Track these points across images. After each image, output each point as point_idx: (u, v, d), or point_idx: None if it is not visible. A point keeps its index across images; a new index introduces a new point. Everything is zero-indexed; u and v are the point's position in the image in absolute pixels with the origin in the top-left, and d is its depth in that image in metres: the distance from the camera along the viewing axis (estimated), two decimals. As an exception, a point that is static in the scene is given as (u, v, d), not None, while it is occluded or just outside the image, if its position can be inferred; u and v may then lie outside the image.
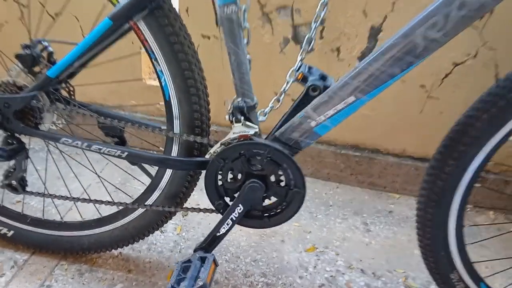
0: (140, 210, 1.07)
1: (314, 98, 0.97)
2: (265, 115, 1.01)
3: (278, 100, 1.04)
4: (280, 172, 0.92)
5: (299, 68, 1.05)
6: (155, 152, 1.20)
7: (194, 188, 1.05)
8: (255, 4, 1.39)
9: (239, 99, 0.89)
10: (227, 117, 0.91)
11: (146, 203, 1.04)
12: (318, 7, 0.93)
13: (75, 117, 1.14)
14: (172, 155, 0.97)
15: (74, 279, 1.16)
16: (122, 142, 1.07)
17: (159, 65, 0.89)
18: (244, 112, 0.89)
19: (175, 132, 0.92)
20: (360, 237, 1.43)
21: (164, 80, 0.90)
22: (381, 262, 1.33)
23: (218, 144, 0.90)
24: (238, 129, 0.88)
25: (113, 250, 1.19)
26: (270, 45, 1.46)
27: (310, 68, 1.03)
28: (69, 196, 1.08)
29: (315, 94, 0.97)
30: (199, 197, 1.03)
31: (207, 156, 0.92)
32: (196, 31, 1.49)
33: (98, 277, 1.17)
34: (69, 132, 1.12)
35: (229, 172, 0.93)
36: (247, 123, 0.89)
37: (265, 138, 0.93)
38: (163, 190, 1.03)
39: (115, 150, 0.92)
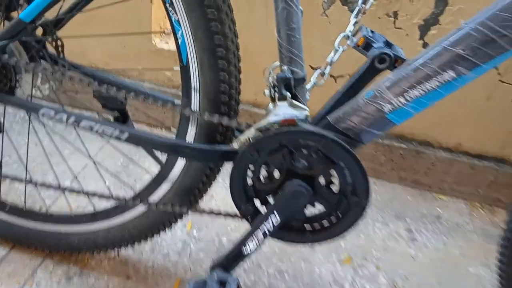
0: (144, 207, 0.83)
1: (379, 71, 0.72)
2: (307, 95, 0.75)
3: (322, 74, 0.78)
4: (335, 173, 0.67)
5: (355, 33, 0.79)
6: (164, 135, 0.95)
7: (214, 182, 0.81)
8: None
9: (285, 67, 0.64)
10: (266, 91, 0.66)
11: (151, 200, 0.80)
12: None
13: (67, 82, 0.89)
14: (187, 140, 0.72)
15: (60, 284, 0.94)
16: (123, 117, 0.82)
17: (175, 13, 0.63)
18: (291, 87, 0.64)
19: (192, 109, 0.67)
20: (404, 248, 1.19)
21: (182, 35, 0.64)
22: (431, 282, 1.09)
23: (252, 130, 0.65)
24: (282, 110, 0.62)
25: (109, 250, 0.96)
26: (309, 4, 1.18)
27: (372, 31, 0.77)
28: (53, 184, 0.85)
29: (382, 67, 0.71)
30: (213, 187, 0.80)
31: (234, 145, 0.67)
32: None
33: (90, 284, 0.94)
34: (59, 102, 0.88)
35: (264, 168, 0.69)
36: (295, 102, 0.63)
37: (314, 124, 0.68)
38: (173, 184, 0.78)
39: (112, 129, 0.68)
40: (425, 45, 1.15)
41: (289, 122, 0.63)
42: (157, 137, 0.68)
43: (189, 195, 0.79)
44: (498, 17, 0.54)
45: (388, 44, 0.75)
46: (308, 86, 0.75)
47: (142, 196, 0.82)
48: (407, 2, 1.10)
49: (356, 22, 0.80)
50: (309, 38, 1.21)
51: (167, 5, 0.63)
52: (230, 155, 0.69)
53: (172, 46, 1.31)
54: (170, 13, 0.63)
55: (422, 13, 1.11)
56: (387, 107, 0.63)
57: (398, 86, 0.61)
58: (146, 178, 0.85)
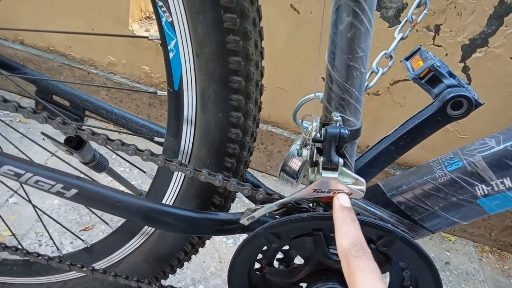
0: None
1: (452, 120, 0.51)
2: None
3: None
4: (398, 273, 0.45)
5: (412, 54, 0.58)
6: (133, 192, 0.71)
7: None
8: None
9: (338, 115, 0.40)
10: (300, 148, 0.43)
11: (96, 265, 0.56)
12: None
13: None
14: (166, 199, 0.48)
15: None
16: (78, 141, 0.57)
17: (169, 11, 0.38)
18: (341, 150, 0.41)
19: (180, 161, 0.43)
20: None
21: (176, 47, 0.40)
22: None
23: (273, 205, 0.42)
24: (326, 184, 0.39)
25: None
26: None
27: (435, 56, 0.55)
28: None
29: (457, 114, 0.50)
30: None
31: (243, 221, 0.44)
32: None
33: None
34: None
35: (280, 255, 0.46)
36: (348, 171, 0.40)
37: (367, 199, 0.45)
38: (140, 246, 0.54)
39: (50, 182, 0.42)
40: (465, 68, 0.95)
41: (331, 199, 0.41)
42: (121, 196, 0.44)
43: (163, 265, 0.55)
44: None
45: (452, 76, 0.54)
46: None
47: (85, 260, 0.57)
48: (454, 15, 0.89)
49: (402, 38, 0.58)
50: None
51: (157, -5, 0.38)
52: (232, 230, 0.46)
53: (155, 32, 1.05)
54: (159, 9, 0.38)
55: (470, 31, 0.90)
56: (481, 189, 0.42)
57: (505, 162, 0.40)
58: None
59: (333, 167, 0.39)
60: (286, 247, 0.47)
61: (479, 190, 0.42)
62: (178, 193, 0.48)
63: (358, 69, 0.39)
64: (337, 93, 0.40)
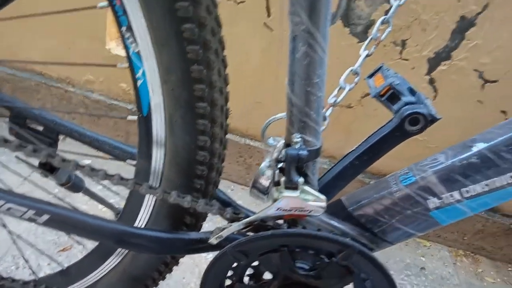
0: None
1: (410, 136, 0.54)
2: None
3: (323, 118, 0.60)
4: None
5: (374, 72, 0.61)
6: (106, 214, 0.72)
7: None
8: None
9: (298, 137, 0.43)
10: (265, 169, 0.45)
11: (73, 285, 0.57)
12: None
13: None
14: (138, 221, 0.49)
15: None
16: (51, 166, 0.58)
17: (135, 42, 0.40)
18: (303, 169, 0.43)
19: (150, 184, 0.44)
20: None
21: (144, 75, 0.42)
22: None
23: (239, 224, 0.44)
24: (289, 202, 0.42)
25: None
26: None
27: (395, 74, 0.58)
28: None
29: (414, 130, 0.53)
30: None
31: (211, 240, 0.45)
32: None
33: None
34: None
35: (249, 271, 0.48)
36: (308, 189, 0.43)
37: (329, 214, 0.48)
38: (115, 267, 0.56)
39: (22, 208, 0.43)
40: (431, 81, 1.00)
41: (299, 217, 0.43)
42: (92, 220, 0.45)
43: (138, 285, 0.56)
44: None
45: (412, 92, 0.57)
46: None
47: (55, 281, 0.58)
48: (419, 31, 0.93)
49: (367, 55, 0.62)
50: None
51: (123, 28, 0.40)
52: (203, 248, 0.48)
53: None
54: (126, 40, 0.40)
55: (434, 45, 0.95)
56: (432, 202, 0.45)
57: (453, 177, 0.43)
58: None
59: (294, 186, 0.41)
60: (256, 263, 0.49)
61: (431, 203, 0.45)
62: (150, 214, 0.50)
63: (315, 93, 0.42)
64: (297, 116, 0.43)
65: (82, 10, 0.42)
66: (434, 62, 0.97)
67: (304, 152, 0.41)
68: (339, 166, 0.54)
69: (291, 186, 0.41)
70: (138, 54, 0.41)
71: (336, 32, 0.97)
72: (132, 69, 0.42)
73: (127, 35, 0.40)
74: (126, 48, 0.41)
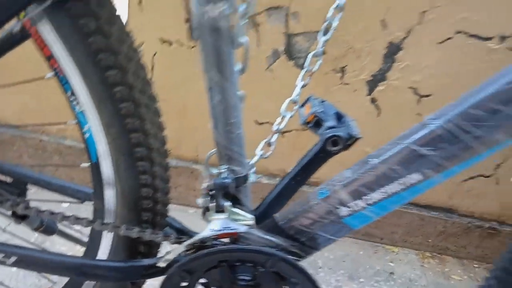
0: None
1: (333, 155, 0.62)
2: (252, 171, 0.63)
3: (269, 144, 0.69)
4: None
5: (305, 102, 0.70)
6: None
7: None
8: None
9: (224, 168, 0.51)
10: (199, 201, 0.53)
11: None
12: (331, 11, 0.61)
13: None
14: (101, 254, 0.57)
15: None
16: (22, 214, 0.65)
17: (78, 103, 0.48)
18: (231, 194, 0.52)
19: (102, 221, 0.52)
20: (360, 315, 1.10)
21: (89, 130, 0.50)
22: None
23: (181, 247, 0.52)
24: (220, 224, 0.50)
25: None
26: (253, 59, 1.08)
27: (322, 102, 0.68)
28: None
29: (335, 150, 0.62)
30: None
31: (159, 264, 0.53)
32: (152, 33, 1.09)
33: None
34: None
35: (198, 285, 0.55)
36: (236, 211, 0.51)
37: (260, 228, 0.56)
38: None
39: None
40: (373, 100, 1.10)
41: (230, 236, 0.51)
42: (55, 257, 0.52)
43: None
44: (470, 115, 0.46)
45: (339, 117, 0.66)
46: (252, 160, 0.64)
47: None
48: (354, 58, 1.04)
49: (303, 86, 0.72)
50: (253, 94, 1.11)
51: (69, 93, 0.48)
52: (157, 272, 0.55)
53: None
54: (71, 103, 0.49)
55: (370, 69, 1.06)
56: (343, 211, 0.53)
57: (356, 188, 0.52)
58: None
59: (221, 210, 0.49)
60: (203, 280, 0.56)
61: (342, 211, 0.53)
62: (111, 247, 0.57)
63: (234, 131, 0.50)
64: (223, 151, 0.52)
65: (32, 81, 0.50)
66: (372, 84, 1.08)
67: (228, 181, 0.49)
68: (279, 186, 0.62)
69: (219, 210, 0.49)
70: (82, 113, 0.50)
71: (282, 66, 1.07)
72: (80, 125, 0.51)
73: (72, 98, 0.49)
74: (73, 108, 0.50)
